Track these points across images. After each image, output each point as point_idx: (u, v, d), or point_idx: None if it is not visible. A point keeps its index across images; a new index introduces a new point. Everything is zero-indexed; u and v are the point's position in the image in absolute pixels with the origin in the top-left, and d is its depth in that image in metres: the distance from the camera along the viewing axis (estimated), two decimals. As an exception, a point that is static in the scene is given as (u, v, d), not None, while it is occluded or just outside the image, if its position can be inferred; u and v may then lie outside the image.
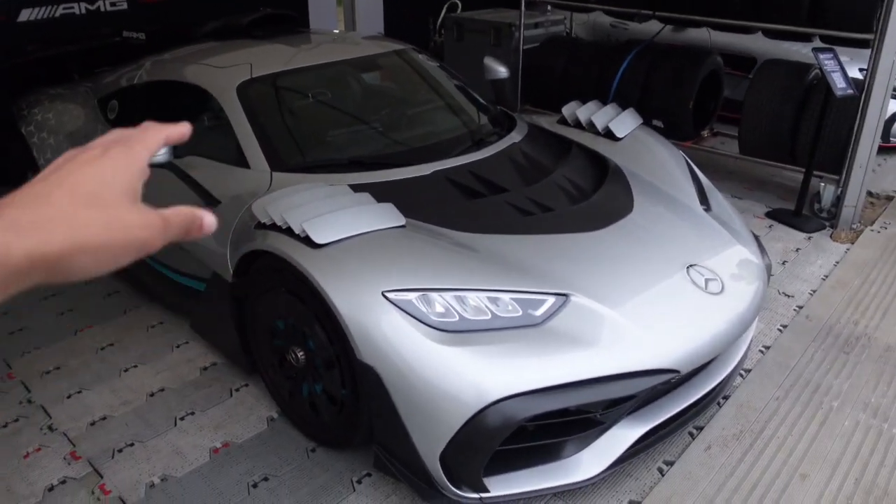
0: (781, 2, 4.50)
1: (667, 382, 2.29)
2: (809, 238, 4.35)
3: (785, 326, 3.38)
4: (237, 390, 2.98)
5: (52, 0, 5.35)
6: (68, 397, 2.99)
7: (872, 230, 4.44)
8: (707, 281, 2.47)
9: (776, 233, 4.43)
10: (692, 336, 2.31)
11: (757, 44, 5.96)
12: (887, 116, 5.00)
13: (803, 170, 4.49)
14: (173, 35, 4.41)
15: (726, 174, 5.28)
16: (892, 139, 5.73)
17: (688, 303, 2.40)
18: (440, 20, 7.40)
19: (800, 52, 5.46)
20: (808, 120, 4.54)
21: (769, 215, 4.65)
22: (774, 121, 4.71)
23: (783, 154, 4.76)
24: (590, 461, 2.25)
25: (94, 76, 4.44)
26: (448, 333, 2.12)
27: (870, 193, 4.98)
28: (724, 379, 2.56)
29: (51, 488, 2.52)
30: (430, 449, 2.11)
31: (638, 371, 2.17)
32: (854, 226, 4.48)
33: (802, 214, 4.55)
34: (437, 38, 7.45)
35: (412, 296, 2.16)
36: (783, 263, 4.03)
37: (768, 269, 2.94)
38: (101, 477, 2.55)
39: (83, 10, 5.55)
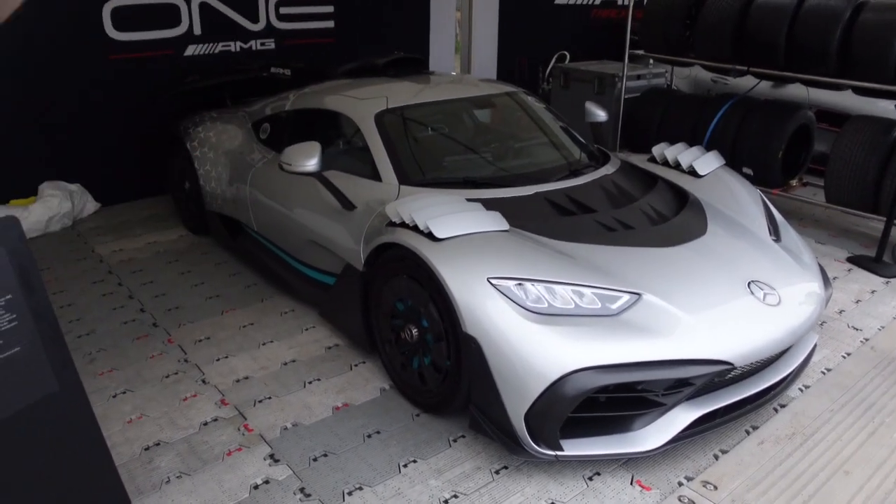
0: (869, 60, 4.79)
1: (722, 375, 2.69)
2: (887, 283, 4.58)
3: (849, 354, 3.67)
4: (356, 366, 3.54)
5: (213, 38, 6.28)
6: (217, 360, 3.63)
7: (952, 280, 4.63)
8: (765, 294, 2.87)
9: (855, 275, 4.68)
10: (746, 336, 2.71)
11: (852, 101, 6.16)
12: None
13: (885, 219, 4.74)
14: (315, 72, 5.16)
15: (812, 222, 5.57)
16: None
17: (745, 310, 2.80)
18: (549, 69, 7.99)
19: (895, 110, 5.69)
20: (892, 172, 4.78)
21: (850, 260, 4.90)
22: (859, 172, 4.96)
23: (866, 204, 5.00)
24: (652, 436, 2.67)
25: (245, 104, 5.21)
26: (538, 315, 2.61)
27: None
28: (776, 382, 2.93)
29: (205, 423, 3.12)
30: (517, 409, 2.59)
31: (694, 359, 2.59)
32: (933, 275, 4.67)
33: (882, 261, 4.78)
34: (545, 86, 8.03)
35: (511, 283, 2.67)
36: (857, 302, 4.29)
37: (828, 298, 3.30)
38: (245, 419, 3.14)
39: (238, 48, 6.46)
